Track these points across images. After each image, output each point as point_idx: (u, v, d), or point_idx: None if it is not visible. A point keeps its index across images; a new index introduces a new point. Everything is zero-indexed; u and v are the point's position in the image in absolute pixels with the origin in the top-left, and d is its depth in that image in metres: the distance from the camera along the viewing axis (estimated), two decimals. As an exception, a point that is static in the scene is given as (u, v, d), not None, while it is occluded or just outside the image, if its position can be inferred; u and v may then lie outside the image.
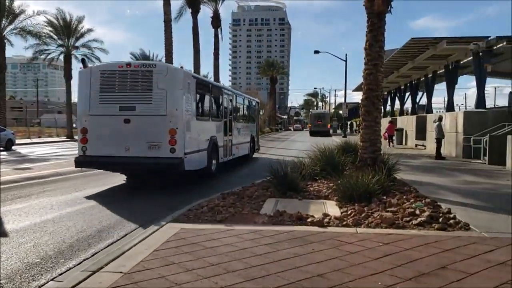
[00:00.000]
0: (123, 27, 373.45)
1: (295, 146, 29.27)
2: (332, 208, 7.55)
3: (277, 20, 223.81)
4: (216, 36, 37.92)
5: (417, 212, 6.81)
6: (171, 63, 26.10)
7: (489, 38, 18.37)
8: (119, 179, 12.31)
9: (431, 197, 8.43)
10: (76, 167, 11.37)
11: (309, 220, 6.42)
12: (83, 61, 11.41)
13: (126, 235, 6.38)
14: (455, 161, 17.18)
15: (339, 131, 65.32)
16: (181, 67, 11.54)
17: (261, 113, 47.04)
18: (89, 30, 41.33)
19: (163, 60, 28.56)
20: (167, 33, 26.26)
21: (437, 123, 17.83)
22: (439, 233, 5.84)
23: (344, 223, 6.30)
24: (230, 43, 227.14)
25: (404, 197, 8.11)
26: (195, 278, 4.16)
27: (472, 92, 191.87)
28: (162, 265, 4.54)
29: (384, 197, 8.00)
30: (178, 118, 10.35)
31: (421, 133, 25.63)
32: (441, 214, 6.76)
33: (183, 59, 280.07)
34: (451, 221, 6.36)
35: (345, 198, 7.83)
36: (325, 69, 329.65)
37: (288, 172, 9.19)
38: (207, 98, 13.13)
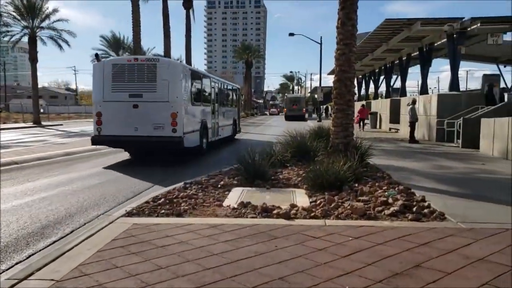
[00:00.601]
0: (96, 10, 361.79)
1: (270, 131, 28.84)
2: (301, 198, 7.09)
3: (253, 3, 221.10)
4: (187, 17, 36.76)
5: (390, 200, 6.40)
6: (139, 44, 25.29)
7: (464, 19, 18.15)
8: (70, 169, 11.58)
9: (404, 183, 8.07)
10: (92, 145, 12.99)
11: (275, 212, 5.93)
12: (96, 55, 13.58)
13: (71, 232, 5.75)
14: (429, 144, 17.04)
15: (314, 115, 65.17)
16: (180, 61, 13.80)
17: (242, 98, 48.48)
18: (54, 11, 39.29)
19: (131, 39, 27.44)
20: (134, 13, 25.13)
21: (410, 106, 17.60)
22: (413, 224, 5.43)
23: (312, 214, 5.83)
24: (205, 26, 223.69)
25: (377, 184, 7.71)
26: (137, 285, 3.61)
27: (445, 76, 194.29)
28: (102, 270, 3.96)
29: (356, 185, 7.60)
30: (178, 104, 12.23)
31: (395, 116, 25.52)
32: (415, 203, 6.38)
33: (153, 40, 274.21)
34: (426, 210, 5.97)
35: (314, 186, 7.38)
36: (302, 53, 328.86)
37: (256, 159, 8.66)
38: (199, 86, 14.94)
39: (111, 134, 12.39)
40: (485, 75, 19.71)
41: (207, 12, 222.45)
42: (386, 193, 6.89)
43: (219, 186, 7.92)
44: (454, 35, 18.74)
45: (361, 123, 27.09)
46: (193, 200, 6.69)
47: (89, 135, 21.22)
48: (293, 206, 6.23)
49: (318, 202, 6.46)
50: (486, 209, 6.15)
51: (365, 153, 10.16)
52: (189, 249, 4.51)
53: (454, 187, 7.91)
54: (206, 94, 16.12)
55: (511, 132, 11.75)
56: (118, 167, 11.86)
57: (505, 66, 35.88)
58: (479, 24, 17.60)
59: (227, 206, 6.39)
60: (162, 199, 6.62)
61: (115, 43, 57.45)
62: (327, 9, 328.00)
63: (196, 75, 14.90)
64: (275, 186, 8.10)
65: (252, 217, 5.80)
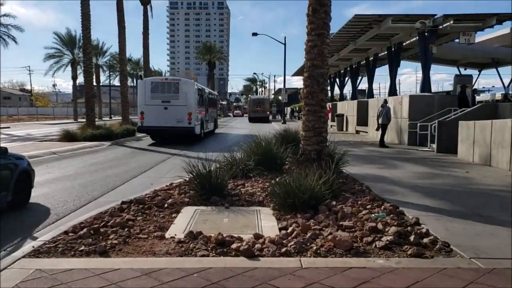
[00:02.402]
0: (53, 9, 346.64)
1: (229, 137, 27.77)
2: (268, 221, 5.66)
3: (216, 4, 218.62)
4: (145, 14, 34.52)
5: (380, 226, 5.07)
6: (89, 39, 23.35)
7: (436, 16, 17.35)
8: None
9: (388, 199, 6.82)
10: (137, 132, 21.68)
11: (234, 246, 4.46)
12: (140, 77, 23.26)
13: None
14: (401, 148, 16.05)
15: (278, 117, 64.13)
16: (194, 81, 20.69)
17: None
18: (-1, 4, 36.28)
19: (80, 34, 25.30)
20: (83, 5, 22.92)
21: (384, 107, 16.53)
22: (416, 263, 4.10)
23: (284, 250, 4.40)
24: (167, 27, 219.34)
25: (359, 202, 6.39)
26: None
27: (404, 78, 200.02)
28: None
29: (334, 203, 6.26)
30: (191, 107, 19.36)
31: (362, 119, 24.64)
32: (409, 228, 5.08)
33: (109, 37, 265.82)
34: (426, 239, 4.68)
35: (284, 206, 5.96)
36: (266, 55, 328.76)
37: (213, 170, 7.16)
38: (200, 95, 21.91)
39: (149, 125, 19.44)
40: (457, 76, 19.07)
41: (170, 13, 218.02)
42: (373, 215, 5.57)
43: (165, 205, 6.36)
44: (426, 33, 17.92)
45: None
46: (126, 229, 5.10)
47: (35, 139, 21.39)
48: (257, 236, 4.78)
49: (290, 230, 5.04)
50: (497, 236, 4.92)
51: (339, 160, 8.91)
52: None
53: (447, 203, 6.70)
54: (202, 100, 22.96)
55: (494, 136, 10.81)
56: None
57: (465, 69, 36.10)
58: (451, 22, 16.83)
59: (171, 237, 4.86)
60: (85, 229, 4.99)
61: (70, 41, 54.18)
62: (290, 12, 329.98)
63: (199, 89, 21.98)
64: (236, 203, 6.64)
65: (203, 255, 4.30)
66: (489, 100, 26.62)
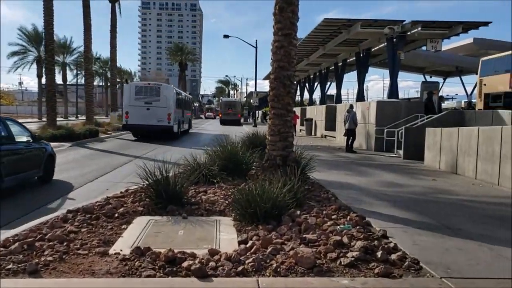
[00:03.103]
0: (21, 5, 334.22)
1: (202, 136, 27.17)
2: (227, 234, 5.23)
3: (189, 6, 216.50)
4: (113, 12, 33.62)
5: (345, 240, 4.73)
6: (52, 35, 22.53)
7: (404, 22, 17.39)
8: None
9: (355, 207, 6.53)
10: (122, 129, 24.19)
11: (185, 264, 4.00)
12: (126, 81, 31.53)
13: None
14: (368, 154, 15.95)
15: (250, 120, 63.74)
16: (173, 87, 24.05)
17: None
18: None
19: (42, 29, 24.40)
20: (46, 1, 21.87)
21: (350, 112, 16.39)
22: (383, 283, 3.77)
23: (241, 268, 3.97)
24: (139, 27, 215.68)
25: (324, 212, 6.05)
26: None
27: (371, 85, 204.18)
28: None
29: (299, 212, 5.90)
30: (170, 108, 22.05)
31: (330, 123, 24.58)
32: (376, 242, 4.76)
33: (80, 36, 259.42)
34: (394, 256, 4.35)
35: (245, 216, 5.55)
36: (238, 58, 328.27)
37: (171, 176, 6.66)
38: (178, 98, 24.68)
39: (134, 123, 21.88)
40: (424, 83, 19.18)
41: (142, 13, 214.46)
42: (339, 227, 5.23)
43: (116, 215, 5.83)
44: (394, 39, 17.95)
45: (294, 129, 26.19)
46: (65, 243, 4.55)
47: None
48: (213, 252, 4.34)
49: (250, 244, 4.63)
50: (467, 252, 4.66)
51: (306, 166, 8.58)
52: None
53: (414, 213, 6.46)
54: (180, 103, 25.62)
55: (460, 144, 10.76)
56: None
57: (431, 77, 36.91)
58: (419, 28, 16.90)
59: (116, 254, 4.34)
60: (17, 244, 4.41)
61: (36, 38, 52.00)
62: (262, 16, 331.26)
63: (177, 93, 25.23)
64: (195, 213, 6.18)
65: (149, 276, 3.82)
66: (456, 107, 27.10)
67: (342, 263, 4.16)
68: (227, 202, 6.66)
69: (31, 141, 9.08)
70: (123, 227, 5.39)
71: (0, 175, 7.52)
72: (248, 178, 8.76)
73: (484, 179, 9.63)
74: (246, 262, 4.12)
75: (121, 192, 7.37)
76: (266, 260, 4.18)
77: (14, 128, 8.74)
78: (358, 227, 5.31)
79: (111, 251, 4.44)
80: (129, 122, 21.84)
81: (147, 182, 6.48)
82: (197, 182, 8.00)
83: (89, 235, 4.98)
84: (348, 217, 5.80)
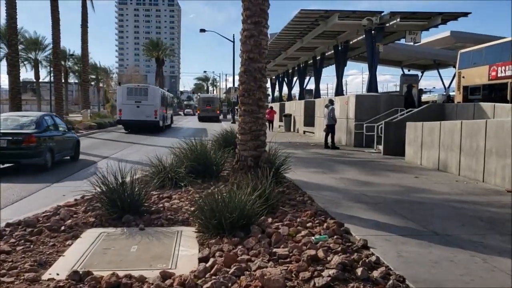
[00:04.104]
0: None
1: (183, 130, 31.37)
2: (188, 248, 4.60)
3: (166, 1, 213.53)
4: (83, 6, 32.43)
5: (321, 254, 4.15)
6: (15, 29, 21.56)
7: (383, 13, 16.94)
8: None
9: (332, 212, 5.97)
10: (116, 124, 28.31)
11: (129, 292, 3.35)
12: (119, 83, 33.58)
13: None
14: (347, 150, 15.46)
15: (229, 116, 62.91)
16: (158, 88, 30.09)
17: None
18: None
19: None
20: (8, -7, 20.76)
21: (330, 107, 15.87)
22: (364, 311, 3.19)
23: (196, 296, 3.34)
24: (116, 22, 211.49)
25: (299, 218, 5.45)
26: None
27: (350, 79, 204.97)
28: None
29: (270, 220, 5.31)
30: (157, 106, 26.08)
31: (309, 119, 24.07)
32: (356, 255, 4.19)
33: (47, 31, 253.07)
34: (376, 273, 3.78)
35: (209, 227, 4.91)
36: (218, 54, 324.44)
37: (128, 181, 5.97)
38: (162, 97, 28.77)
39: (126, 119, 25.66)
40: (403, 75, 18.82)
41: (118, 8, 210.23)
42: (314, 238, 4.64)
43: (62, 228, 5.11)
44: (373, 31, 17.49)
45: (270, 125, 26.50)
46: (-9, 268, 3.84)
47: None
48: (165, 276, 3.69)
49: (211, 263, 3.99)
50: (459, 265, 4.12)
51: (281, 166, 7.98)
52: None
53: (397, 218, 5.91)
54: (164, 101, 29.09)
55: (443, 139, 10.32)
56: None
57: (409, 70, 36.88)
58: (398, 19, 16.44)
59: (50, 279, 3.65)
60: None
61: (5, 34, 49.96)
62: (238, 13, 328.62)
63: (162, 93, 29.65)
64: (155, 223, 5.52)
65: (84, 310, 3.15)
66: (436, 100, 26.98)
67: (317, 284, 3.56)
68: (192, 208, 6.01)
69: (67, 130, 12.44)
70: (67, 243, 4.70)
71: (53, 152, 10.96)
72: (219, 180, 8.15)
73: (468, 176, 9.21)
74: (204, 287, 3.48)
75: (75, 200, 6.63)
76: (228, 284, 3.55)
77: (57, 121, 12.29)
78: (335, 236, 4.73)
79: (45, 276, 3.75)
80: (122, 118, 25.93)
81: (99, 190, 5.77)
82: (162, 186, 7.36)
83: (24, 254, 4.27)
84: (325, 224, 5.23)
